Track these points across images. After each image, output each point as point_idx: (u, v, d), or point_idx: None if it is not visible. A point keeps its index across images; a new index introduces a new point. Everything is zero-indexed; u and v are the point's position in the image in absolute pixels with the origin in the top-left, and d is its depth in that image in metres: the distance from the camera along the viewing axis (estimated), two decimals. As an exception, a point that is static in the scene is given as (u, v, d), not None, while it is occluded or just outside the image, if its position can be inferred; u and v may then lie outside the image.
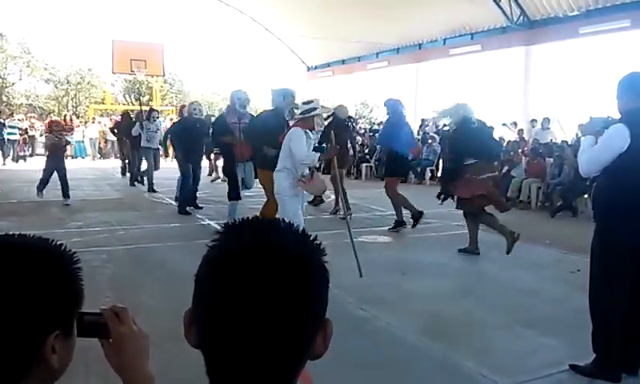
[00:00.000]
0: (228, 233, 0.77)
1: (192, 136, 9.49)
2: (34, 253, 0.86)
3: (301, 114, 5.58)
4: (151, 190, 12.04)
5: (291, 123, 5.70)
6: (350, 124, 10.76)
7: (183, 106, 12.19)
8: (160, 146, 13.39)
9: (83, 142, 23.02)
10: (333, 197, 9.52)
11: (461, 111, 6.91)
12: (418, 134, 17.72)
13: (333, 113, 8.73)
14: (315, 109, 5.55)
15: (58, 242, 0.91)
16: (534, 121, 15.78)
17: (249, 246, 0.72)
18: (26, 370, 0.83)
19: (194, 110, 9.81)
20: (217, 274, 0.73)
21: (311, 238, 0.78)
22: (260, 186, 7.19)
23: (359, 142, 17.06)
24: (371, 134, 18.43)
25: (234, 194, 7.98)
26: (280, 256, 0.72)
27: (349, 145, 10.27)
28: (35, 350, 0.83)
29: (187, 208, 9.42)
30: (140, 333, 1.02)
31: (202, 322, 0.74)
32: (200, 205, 9.82)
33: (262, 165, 6.69)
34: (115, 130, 15.75)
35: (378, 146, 15.17)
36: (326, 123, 8.46)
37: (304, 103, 5.66)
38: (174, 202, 10.17)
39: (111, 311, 1.00)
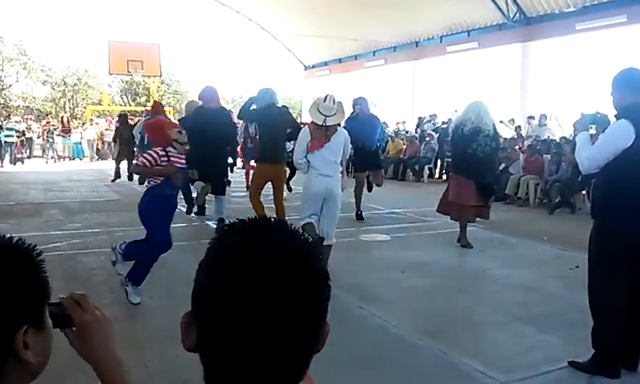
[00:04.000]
0: (233, 234, 0.75)
1: None
2: None
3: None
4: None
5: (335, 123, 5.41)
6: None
7: (157, 105, 11.23)
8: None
9: (81, 143, 23.02)
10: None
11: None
12: (416, 132, 17.73)
13: None
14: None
15: (16, 238, 0.89)
16: (531, 118, 15.79)
17: (256, 249, 0.71)
18: (0, 369, 0.82)
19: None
20: (223, 276, 0.71)
21: (314, 242, 0.78)
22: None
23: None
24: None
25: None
26: (288, 260, 0.71)
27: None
28: (6, 349, 0.82)
29: None
30: (103, 317, 1.01)
31: (205, 325, 0.72)
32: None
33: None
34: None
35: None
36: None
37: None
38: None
39: (71, 299, 0.99)
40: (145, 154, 4.95)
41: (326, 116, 5.25)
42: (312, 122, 5.39)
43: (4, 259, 0.84)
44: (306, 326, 0.72)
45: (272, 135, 7.09)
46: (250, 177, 10.75)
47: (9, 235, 0.89)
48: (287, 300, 0.69)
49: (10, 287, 0.82)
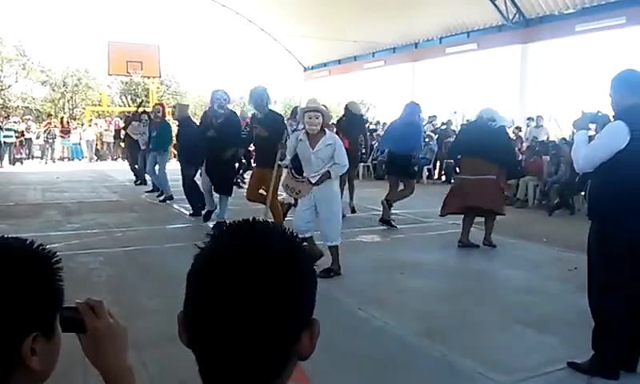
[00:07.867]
0: (218, 235, 0.80)
1: None
2: (9, 253, 0.85)
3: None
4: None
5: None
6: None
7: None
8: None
9: (79, 144, 23.01)
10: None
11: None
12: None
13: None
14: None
15: (37, 243, 0.89)
16: (530, 119, 15.81)
17: (234, 249, 0.75)
18: (5, 374, 0.82)
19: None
20: (202, 274, 0.76)
21: (297, 240, 0.80)
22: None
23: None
24: (368, 133, 18.36)
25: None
26: (264, 258, 0.74)
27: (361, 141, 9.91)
28: (12, 354, 0.81)
29: None
30: (117, 326, 1.01)
31: (190, 322, 0.77)
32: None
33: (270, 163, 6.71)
34: None
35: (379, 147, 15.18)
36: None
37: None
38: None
39: (87, 305, 0.99)
40: None
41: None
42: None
43: (20, 263, 0.84)
44: (283, 323, 0.74)
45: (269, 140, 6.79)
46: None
47: (30, 239, 0.89)
48: (262, 297, 0.72)
49: (22, 292, 0.82)
